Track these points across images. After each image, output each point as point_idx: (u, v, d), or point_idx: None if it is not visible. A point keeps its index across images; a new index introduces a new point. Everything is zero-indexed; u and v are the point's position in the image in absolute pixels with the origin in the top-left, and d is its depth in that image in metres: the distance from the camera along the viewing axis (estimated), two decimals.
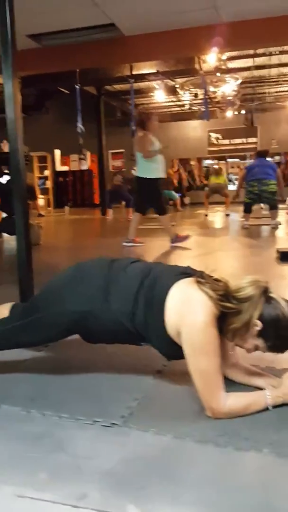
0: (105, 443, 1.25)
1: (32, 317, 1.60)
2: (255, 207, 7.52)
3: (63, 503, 1.02)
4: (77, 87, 7.82)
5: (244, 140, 14.94)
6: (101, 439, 1.27)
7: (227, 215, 9.84)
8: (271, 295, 1.39)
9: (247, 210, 7.18)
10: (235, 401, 1.34)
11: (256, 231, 6.82)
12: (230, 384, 1.49)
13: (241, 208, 7.56)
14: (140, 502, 1.01)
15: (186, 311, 1.36)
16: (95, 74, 8.59)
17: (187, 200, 13.90)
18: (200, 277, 1.43)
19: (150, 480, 1.08)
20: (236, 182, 15.43)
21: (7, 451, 1.24)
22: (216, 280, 1.44)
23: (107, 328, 1.53)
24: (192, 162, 15.71)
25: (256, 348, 1.40)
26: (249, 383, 1.51)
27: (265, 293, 1.37)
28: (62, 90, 9.72)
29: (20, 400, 1.52)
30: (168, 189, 11.38)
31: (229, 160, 16.04)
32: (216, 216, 10.08)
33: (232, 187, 15.45)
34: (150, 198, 5.33)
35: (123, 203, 10.87)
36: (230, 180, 16.25)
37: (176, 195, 11.84)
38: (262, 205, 8.24)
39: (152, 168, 5.17)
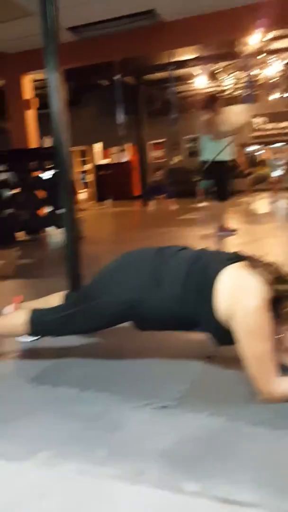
0: (160, 423, 1.28)
1: (84, 306, 1.65)
2: None
3: (122, 479, 1.06)
4: (117, 77, 7.84)
5: None
6: (155, 420, 1.30)
7: (273, 202, 9.59)
8: None
9: None
10: None
11: None
12: (284, 369, 1.47)
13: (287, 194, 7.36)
14: (196, 479, 1.03)
15: (239, 295, 1.35)
16: (134, 63, 8.58)
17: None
18: (251, 261, 1.42)
19: (206, 459, 1.10)
20: (281, 168, 15.02)
21: (66, 430, 1.29)
22: (267, 264, 1.42)
23: (157, 315, 1.55)
24: (236, 149, 15.37)
25: None
26: None
27: None
28: (101, 82, 9.80)
29: (74, 383, 1.57)
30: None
31: (274, 145, 15.58)
32: (262, 204, 9.86)
33: (276, 173, 15.03)
34: (217, 180, 5.28)
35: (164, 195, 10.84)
36: (274, 166, 15.80)
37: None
38: None
39: (220, 150, 5.13)
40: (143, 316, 1.58)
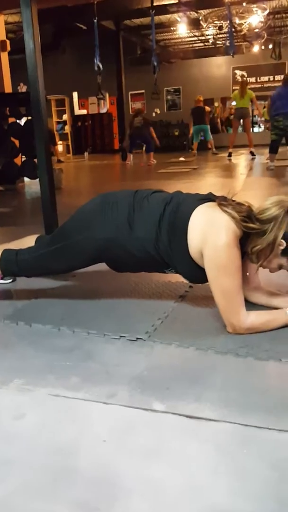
0: (132, 353, 1.33)
1: (60, 244, 1.65)
2: (281, 149, 7.23)
3: (95, 400, 1.11)
4: (95, 20, 7.47)
5: (272, 77, 14.19)
6: (127, 351, 1.35)
7: (252, 154, 9.53)
8: None
9: (273, 149, 6.89)
10: (256, 317, 1.39)
11: (282, 172, 6.66)
12: (252, 307, 1.54)
13: (266, 151, 7.30)
14: (165, 399, 1.09)
15: (209, 232, 1.38)
16: (113, 6, 8.18)
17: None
18: (222, 200, 1.44)
19: (174, 382, 1.16)
20: (262, 125, 14.79)
21: (40, 361, 1.33)
22: (239, 203, 1.45)
23: (132, 255, 1.56)
24: (216, 104, 15.11)
25: (281, 267, 1.43)
26: (270, 305, 1.55)
27: None
28: (80, 26, 9.33)
29: (50, 320, 1.61)
30: (203, 123, 10.79)
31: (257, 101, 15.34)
32: (240, 159, 9.83)
33: (256, 130, 14.85)
34: None
35: (144, 148, 10.56)
36: (255, 123, 15.61)
37: (210, 135, 11.26)
38: None
39: None
40: (118, 256, 1.60)
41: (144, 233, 1.51)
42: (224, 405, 1.05)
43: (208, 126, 10.96)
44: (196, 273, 1.49)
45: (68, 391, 1.16)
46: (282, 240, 1.35)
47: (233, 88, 14.34)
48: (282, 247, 1.36)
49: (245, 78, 10.22)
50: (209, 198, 1.50)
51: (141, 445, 0.94)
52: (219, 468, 0.86)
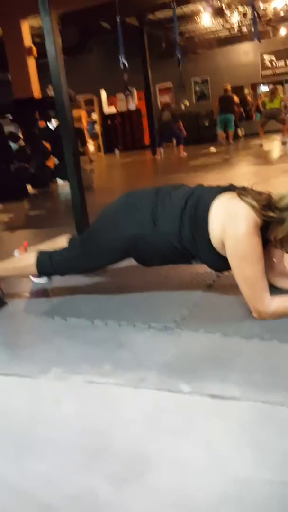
0: (160, 342, 1.40)
1: (90, 244, 1.74)
2: None
3: (126, 385, 1.19)
4: (118, 18, 7.52)
5: None
6: (156, 339, 1.42)
7: (284, 143, 9.38)
8: None
9: None
10: (280, 302, 1.42)
11: None
12: (278, 292, 1.57)
13: None
14: (192, 382, 1.15)
15: (229, 222, 1.42)
16: (135, 2, 8.21)
17: (240, 132, 13.29)
18: (242, 190, 1.48)
19: (201, 366, 1.22)
20: None
21: (76, 351, 1.42)
22: (259, 192, 1.48)
23: (158, 249, 1.63)
24: (246, 90, 14.85)
25: None
26: None
27: None
28: (104, 26, 9.42)
29: (84, 314, 1.70)
30: (230, 112, 10.72)
31: (286, 85, 15.01)
32: (273, 145, 9.65)
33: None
34: None
35: (174, 141, 10.57)
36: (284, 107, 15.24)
37: (233, 126, 11.16)
38: None
39: None
40: (145, 250, 1.67)
41: (168, 228, 1.57)
42: (247, 385, 1.11)
43: (234, 116, 10.84)
44: (219, 262, 1.54)
45: (102, 377, 1.24)
46: None
47: (262, 79, 14.11)
48: None
49: (274, 87, 10.19)
50: (228, 188, 1.54)
51: (169, 424, 1.01)
52: (241, 443, 0.91)
